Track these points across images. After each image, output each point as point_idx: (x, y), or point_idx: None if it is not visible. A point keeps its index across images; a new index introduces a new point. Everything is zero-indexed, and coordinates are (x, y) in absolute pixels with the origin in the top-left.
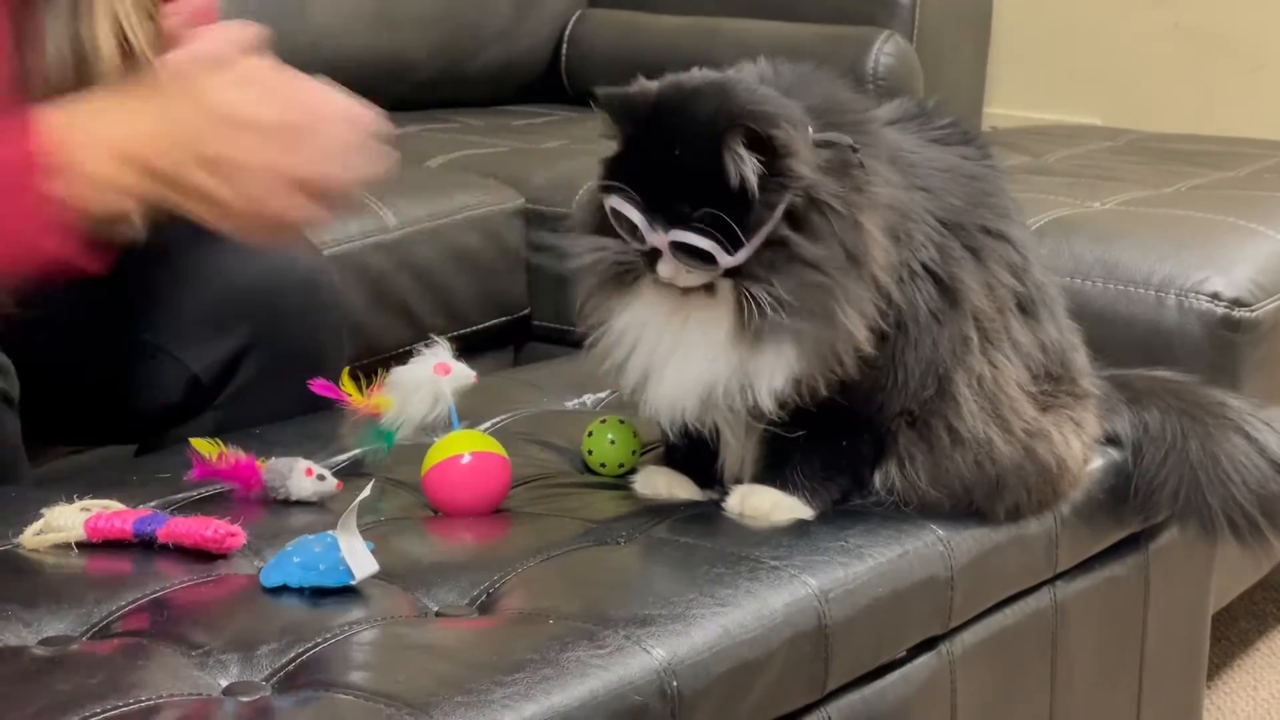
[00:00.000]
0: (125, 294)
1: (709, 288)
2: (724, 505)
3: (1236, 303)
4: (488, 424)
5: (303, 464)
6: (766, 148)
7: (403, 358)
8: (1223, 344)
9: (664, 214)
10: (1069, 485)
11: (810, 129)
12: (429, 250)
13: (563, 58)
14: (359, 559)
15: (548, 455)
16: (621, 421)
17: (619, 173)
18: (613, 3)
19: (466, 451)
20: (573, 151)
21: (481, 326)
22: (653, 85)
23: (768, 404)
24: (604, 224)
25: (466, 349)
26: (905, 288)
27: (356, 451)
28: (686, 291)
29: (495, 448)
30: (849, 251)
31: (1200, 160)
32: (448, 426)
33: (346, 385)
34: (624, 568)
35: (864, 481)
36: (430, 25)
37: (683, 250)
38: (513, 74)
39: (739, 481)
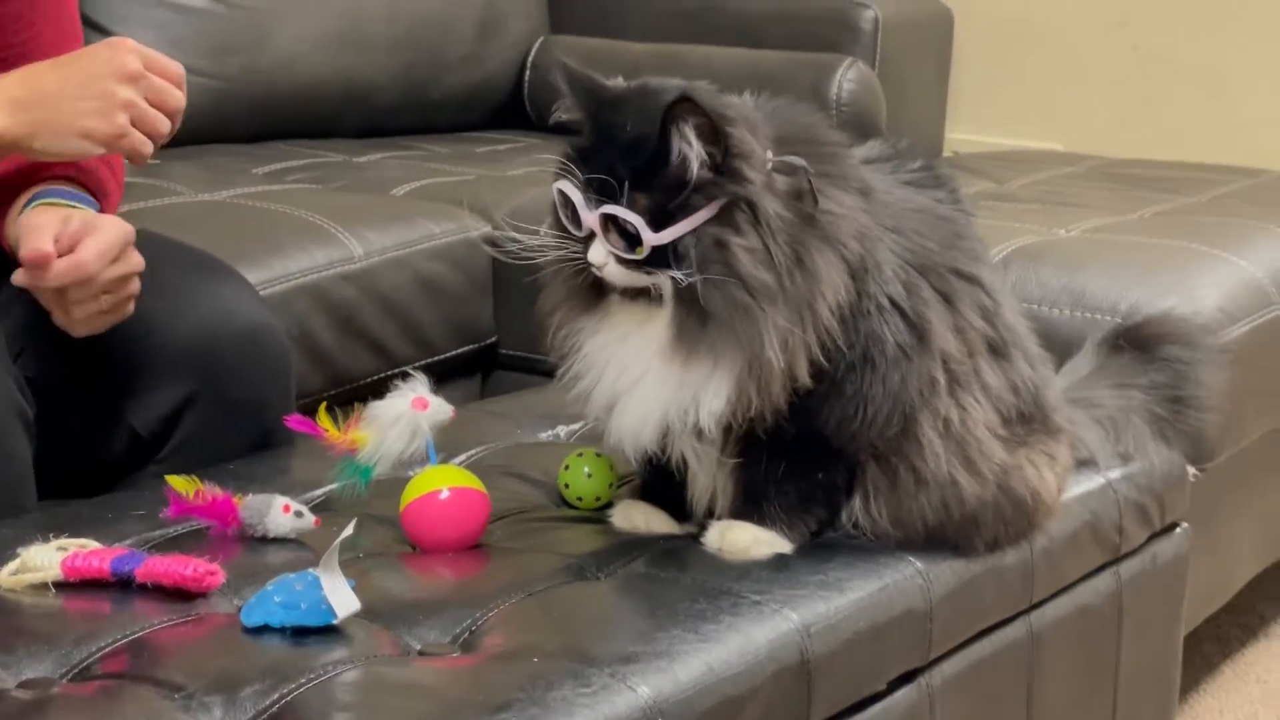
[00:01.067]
0: (64, 350)
1: (652, 297)
2: (702, 540)
3: (1205, 330)
4: (461, 457)
5: (280, 500)
6: (718, 141)
7: (371, 387)
8: (1190, 371)
9: (601, 193)
10: (1044, 516)
11: (770, 151)
12: (396, 279)
13: (525, 84)
14: (341, 597)
15: (524, 489)
16: (598, 454)
17: (570, 155)
18: (575, 29)
19: (445, 487)
20: (540, 179)
21: (449, 355)
22: (622, 80)
23: (710, 426)
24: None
25: (434, 378)
26: (872, 320)
27: (333, 487)
28: (635, 300)
29: (474, 483)
30: (786, 283)
31: (1162, 186)
32: (425, 461)
33: (323, 421)
34: (605, 604)
35: (840, 513)
36: (394, 50)
37: (614, 229)
38: (476, 100)
39: (710, 514)
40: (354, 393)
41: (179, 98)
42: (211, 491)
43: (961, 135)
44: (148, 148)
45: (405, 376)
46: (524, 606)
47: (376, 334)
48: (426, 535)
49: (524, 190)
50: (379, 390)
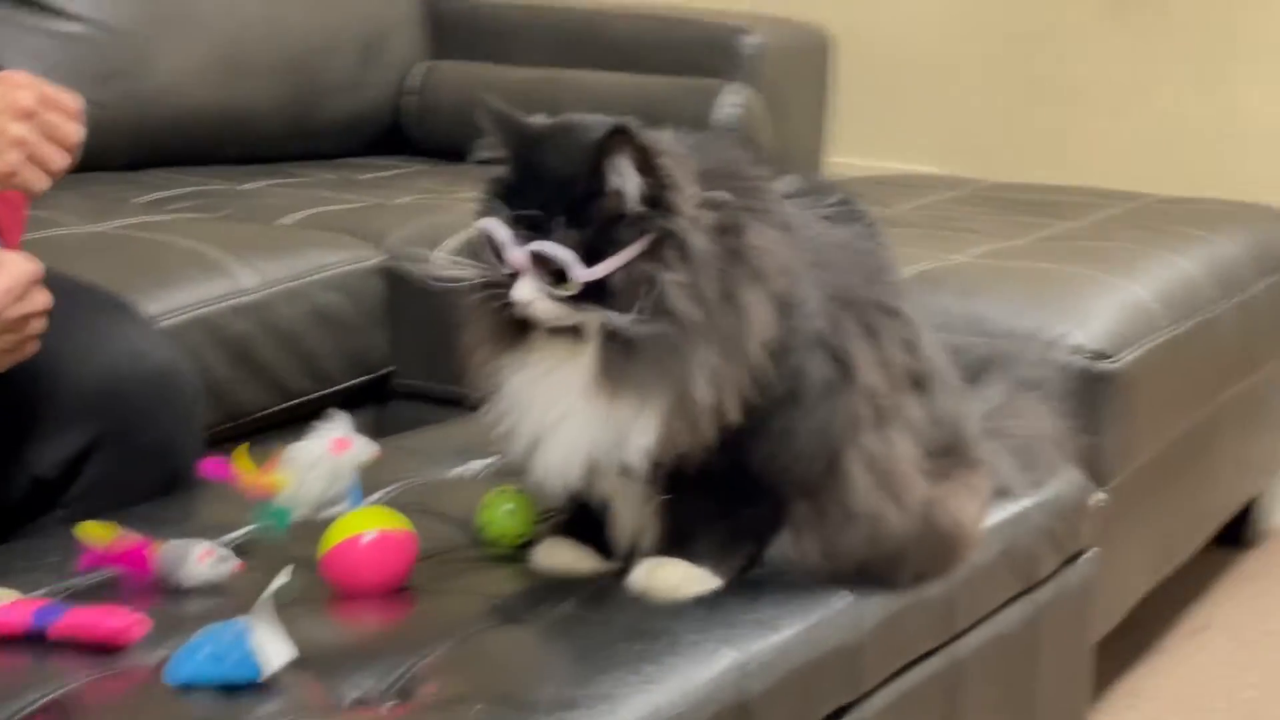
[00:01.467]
0: None
1: (578, 333)
2: (630, 579)
3: (1099, 355)
4: (374, 496)
5: (199, 546)
6: (651, 174)
7: (268, 420)
8: (1087, 396)
9: (529, 229)
10: (967, 548)
11: (696, 187)
12: (290, 310)
13: (408, 109)
14: (275, 648)
15: (442, 528)
16: (518, 491)
17: (494, 192)
18: (456, 54)
19: (368, 530)
20: (429, 206)
21: (344, 386)
22: (545, 117)
23: (638, 462)
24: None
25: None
26: (798, 356)
27: (249, 531)
28: (560, 336)
29: (400, 523)
30: (716, 318)
31: (1044, 210)
32: (348, 504)
33: (240, 463)
34: (541, 648)
35: (768, 547)
36: (277, 76)
37: (542, 266)
38: (358, 126)
39: (634, 550)
40: (251, 426)
41: (76, 131)
42: (126, 538)
43: (841, 159)
44: (42, 184)
45: (323, 415)
46: (458, 652)
47: (272, 367)
48: (349, 581)
49: (415, 218)
50: (276, 424)
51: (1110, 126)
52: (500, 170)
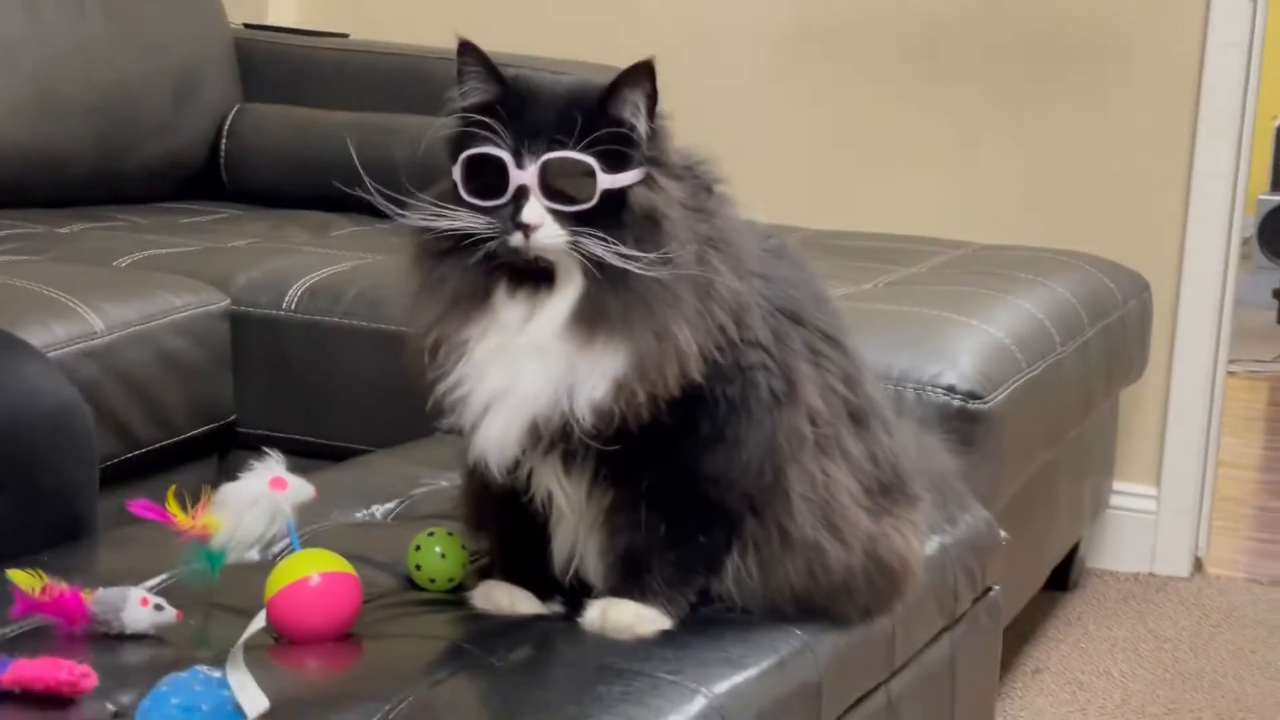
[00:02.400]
0: None
1: (550, 281)
2: (583, 619)
3: (971, 395)
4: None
5: (136, 593)
6: (653, 115)
7: (113, 471)
8: (960, 435)
9: (536, 145)
10: (911, 584)
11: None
12: (138, 355)
13: (222, 152)
14: (250, 696)
15: (368, 572)
16: (449, 534)
17: (482, 124)
18: (268, 98)
19: (315, 572)
20: (266, 250)
21: (188, 435)
22: None
23: (585, 416)
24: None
25: (172, 459)
26: (748, 357)
27: (171, 576)
28: (528, 288)
29: (344, 566)
30: (693, 270)
31: (878, 256)
32: (286, 546)
33: (171, 505)
34: (518, 692)
35: (720, 575)
36: (89, 118)
37: (555, 180)
38: (170, 170)
39: (575, 580)
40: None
41: None
42: (57, 586)
43: None
44: None
45: (260, 454)
46: (430, 697)
47: (119, 414)
48: (297, 625)
49: (257, 262)
50: (121, 474)
51: (922, 176)
52: (476, 109)
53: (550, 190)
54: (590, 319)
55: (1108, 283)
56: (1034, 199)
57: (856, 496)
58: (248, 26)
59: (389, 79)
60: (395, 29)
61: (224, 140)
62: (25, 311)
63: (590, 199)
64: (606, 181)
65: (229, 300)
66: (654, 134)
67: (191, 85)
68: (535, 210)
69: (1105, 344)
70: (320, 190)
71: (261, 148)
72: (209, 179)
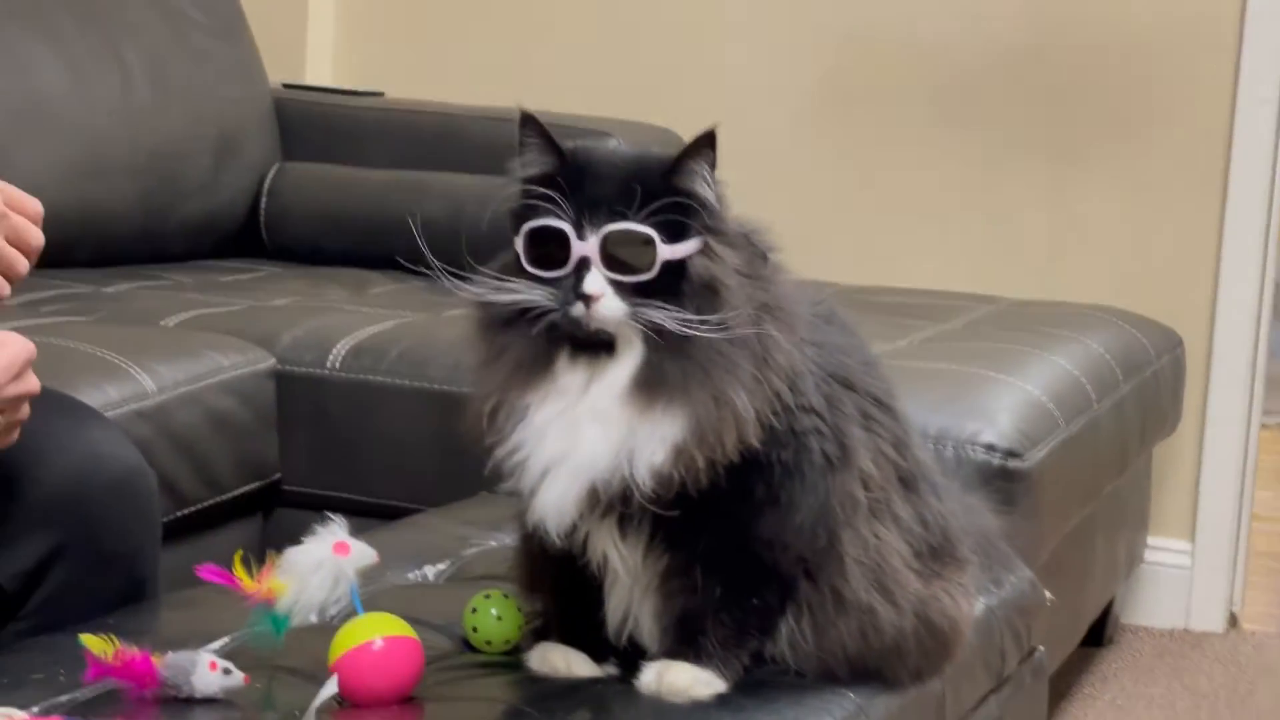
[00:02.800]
0: None
1: (610, 350)
2: (639, 681)
3: (1010, 453)
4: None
5: (206, 657)
6: (704, 181)
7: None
8: (999, 493)
9: (597, 217)
10: (961, 647)
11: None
12: (187, 415)
13: (262, 211)
14: None
15: (425, 633)
16: (505, 596)
17: (542, 195)
18: (308, 156)
19: (378, 636)
20: (309, 308)
21: (234, 494)
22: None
23: (645, 481)
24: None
25: (217, 517)
26: (802, 421)
27: (234, 638)
28: (589, 356)
29: (406, 630)
30: (749, 338)
31: (911, 312)
32: (347, 608)
33: (237, 569)
34: None
35: (775, 637)
36: (133, 178)
37: (616, 251)
38: (211, 228)
39: (625, 635)
40: None
41: (39, 237)
42: (128, 651)
43: None
44: (5, 290)
45: (324, 521)
46: None
47: (169, 473)
48: (362, 688)
49: (300, 321)
50: (168, 532)
51: (952, 231)
52: (537, 180)
53: (611, 261)
54: (650, 385)
55: (1141, 338)
56: (1065, 253)
57: (907, 560)
58: (286, 86)
59: (425, 137)
60: (430, 87)
61: (264, 199)
62: (80, 373)
63: (651, 269)
64: (666, 252)
65: (274, 359)
66: (713, 203)
67: (232, 145)
68: (596, 281)
69: (1139, 400)
70: (357, 248)
71: (300, 206)
72: (249, 237)
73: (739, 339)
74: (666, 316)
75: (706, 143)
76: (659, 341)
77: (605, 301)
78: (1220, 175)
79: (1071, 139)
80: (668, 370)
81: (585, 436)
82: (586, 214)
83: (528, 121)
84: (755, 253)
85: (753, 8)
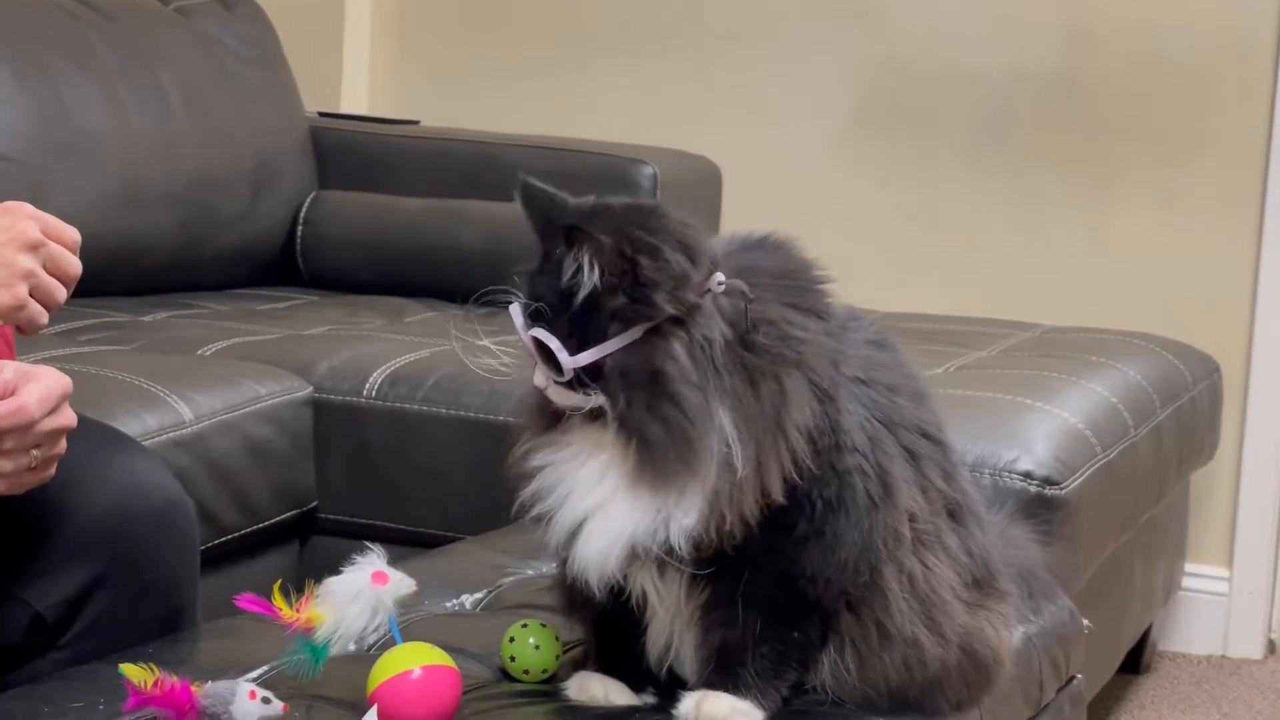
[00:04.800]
0: None
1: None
2: (678, 711)
3: (1047, 481)
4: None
5: (245, 687)
6: (625, 269)
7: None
8: (1037, 521)
9: (534, 316)
10: (1001, 676)
11: (719, 275)
12: (225, 444)
13: (298, 239)
14: None
15: (463, 662)
16: (542, 625)
17: (521, 275)
18: (343, 185)
19: (417, 665)
20: (344, 337)
21: (271, 522)
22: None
23: (680, 543)
24: None
25: (254, 545)
26: (843, 463)
27: (274, 666)
28: (594, 420)
29: (444, 659)
30: (747, 401)
31: (948, 339)
32: (385, 637)
33: (276, 599)
34: None
35: (812, 670)
36: (171, 208)
37: (545, 353)
38: (247, 257)
39: (665, 665)
40: None
41: (76, 265)
42: (168, 680)
43: None
44: (44, 318)
45: (362, 550)
46: None
47: (207, 502)
48: (400, 718)
49: (337, 349)
50: (205, 560)
51: (988, 257)
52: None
53: (545, 356)
54: (650, 467)
55: (1178, 364)
56: (1101, 280)
57: (956, 590)
58: (322, 115)
59: (459, 165)
60: (466, 116)
61: (300, 227)
62: (118, 401)
63: (563, 374)
64: (570, 363)
65: (312, 388)
66: (632, 281)
67: (269, 174)
68: (539, 375)
69: (1177, 427)
70: (393, 276)
71: (336, 235)
72: (285, 265)
73: (704, 410)
74: (600, 403)
75: (578, 236)
76: (629, 420)
77: (550, 391)
78: (1257, 201)
79: (1108, 165)
80: (650, 453)
81: (616, 500)
82: (528, 310)
83: (523, 187)
84: (793, 297)
85: (791, 35)
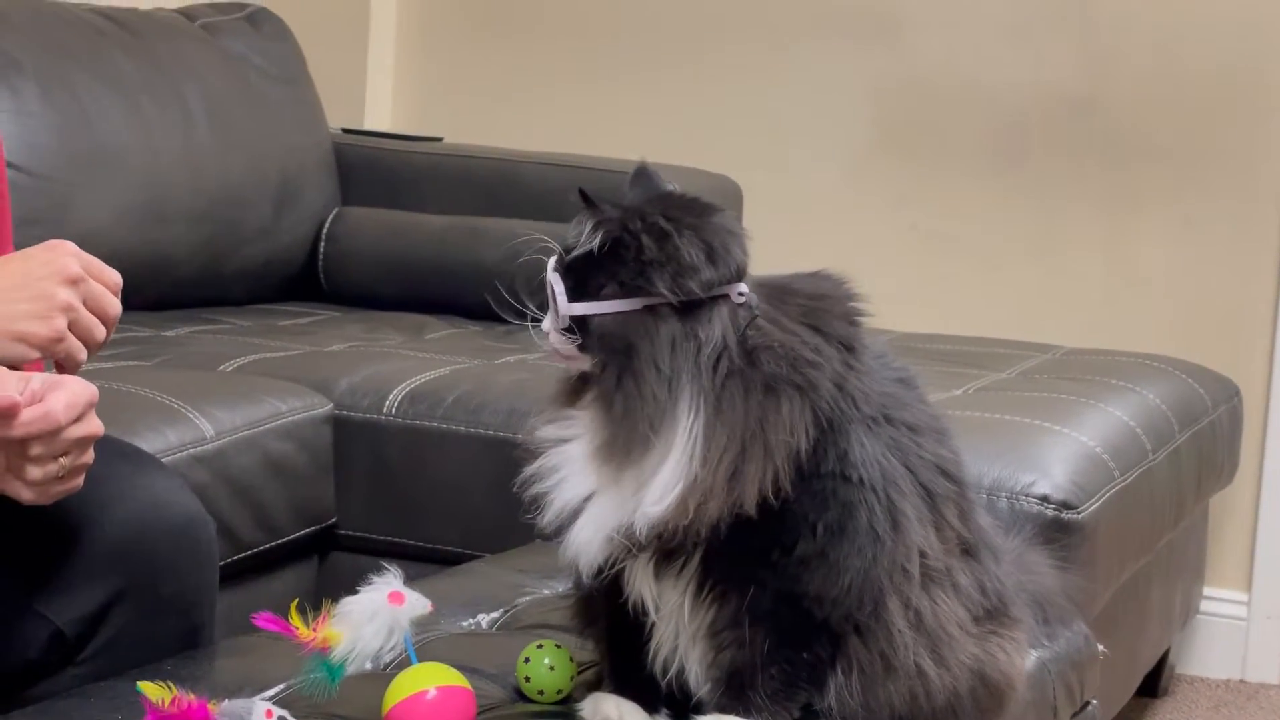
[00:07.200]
0: None
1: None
2: None
3: (1065, 505)
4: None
5: (262, 706)
6: (632, 243)
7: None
8: (1054, 545)
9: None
10: (1013, 701)
11: (743, 285)
12: (245, 460)
13: (320, 255)
14: None
15: (478, 682)
16: (557, 646)
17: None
18: (366, 202)
19: (432, 686)
20: (365, 354)
21: (291, 538)
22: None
23: (641, 531)
24: None
25: (273, 561)
26: (850, 490)
27: (288, 686)
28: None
29: (460, 680)
30: (726, 408)
31: (966, 361)
32: (400, 657)
33: (293, 618)
34: None
35: (824, 692)
36: (195, 223)
37: (552, 297)
38: (271, 272)
39: (663, 677)
40: None
41: (117, 305)
42: (185, 698)
43: None
44: (83, 355)
45: (379, 568)
46: None
47: (226, 518)
48: None
49: (357, 366)
50: (224, 576)
51: (1007, 278)
52: None
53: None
54: (616, 443)
55: (1197, 388)
56: (1121, 302)
57: (965, 625)
58: (346, 131)
59: (482, 182)
60: (489, 133)
61: (322, 243)
62: (139, 417)
63: (560, 319)
64: (565, 308)
65: (332, 405)
66: (637, 263)
67: (293, 190)
68: (549, 319)
69: (1196, 451)
70: (415, 293)
71: (358, 251)
72: (308, 281)
73: (660, 404)
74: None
75: (585, 207)
76: (604, 386)
77: (551, 337)
78: (1277, 223)
79: (1128, 187)
80: (617, 427)
81: (594, 493)
82: (558, 263)
83: (578, 194)
84: (747, 313)
85: (810, 54)
